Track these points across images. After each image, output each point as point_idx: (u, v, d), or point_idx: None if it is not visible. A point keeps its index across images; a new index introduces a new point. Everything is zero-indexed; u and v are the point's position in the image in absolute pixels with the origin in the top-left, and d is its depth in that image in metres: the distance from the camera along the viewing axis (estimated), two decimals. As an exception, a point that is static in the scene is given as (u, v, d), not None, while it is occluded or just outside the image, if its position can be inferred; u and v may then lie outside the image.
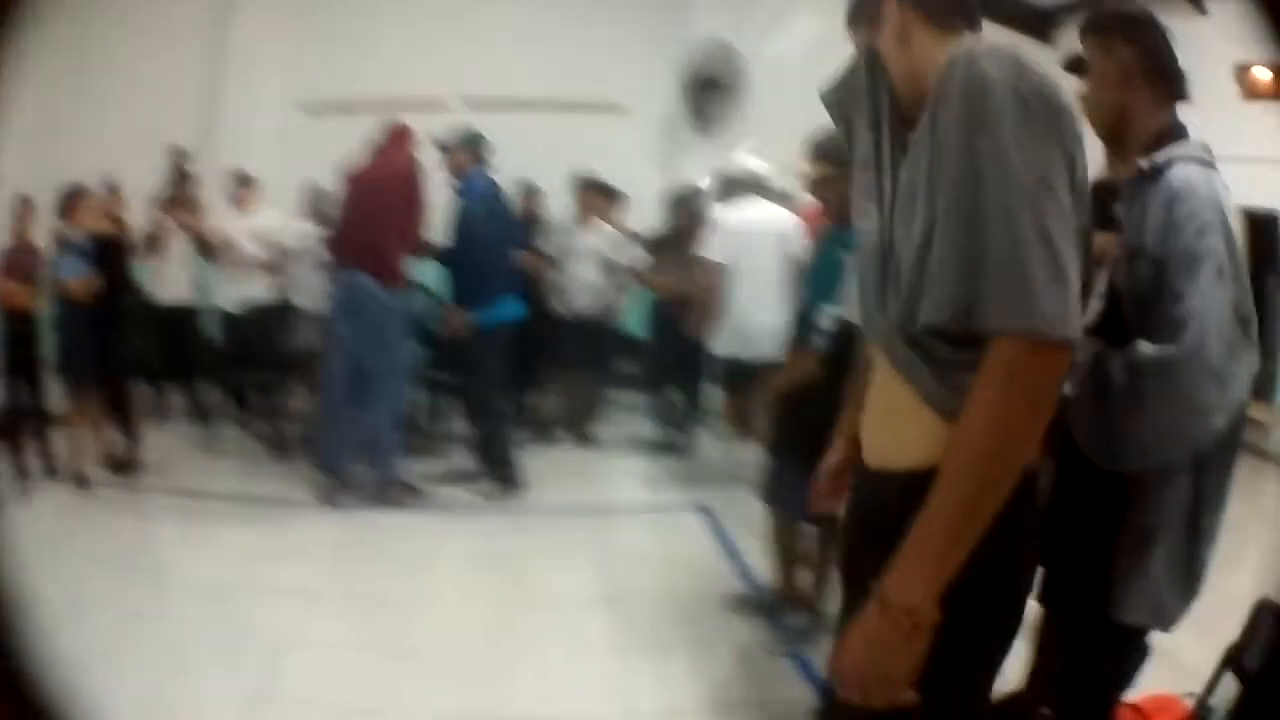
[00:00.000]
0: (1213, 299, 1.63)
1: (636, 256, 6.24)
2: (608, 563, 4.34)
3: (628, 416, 6.80)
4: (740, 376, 4.57)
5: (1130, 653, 1.90)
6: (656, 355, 6.37)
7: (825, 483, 2.33)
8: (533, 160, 5.30)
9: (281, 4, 7.10)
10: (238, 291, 6.03)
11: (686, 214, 6.08)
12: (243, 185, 6.10)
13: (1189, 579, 1.76)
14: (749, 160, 5.21)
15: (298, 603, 3.76)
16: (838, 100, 1.57)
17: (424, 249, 5.04)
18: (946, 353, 1.32)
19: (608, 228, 6.21)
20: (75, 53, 6.29)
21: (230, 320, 6.11)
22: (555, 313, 6.01)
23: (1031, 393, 1.23)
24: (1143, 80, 1.78)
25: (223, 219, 6.09)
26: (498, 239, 5.04)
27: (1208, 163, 1.74)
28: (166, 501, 4.96)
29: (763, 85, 7.49)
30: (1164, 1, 6.01)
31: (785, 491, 3.34)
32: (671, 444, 6.20)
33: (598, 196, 6.22)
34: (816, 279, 3.14)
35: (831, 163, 2.98)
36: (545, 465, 5.48)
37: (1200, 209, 1.66)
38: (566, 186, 6.28)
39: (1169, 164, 1.71)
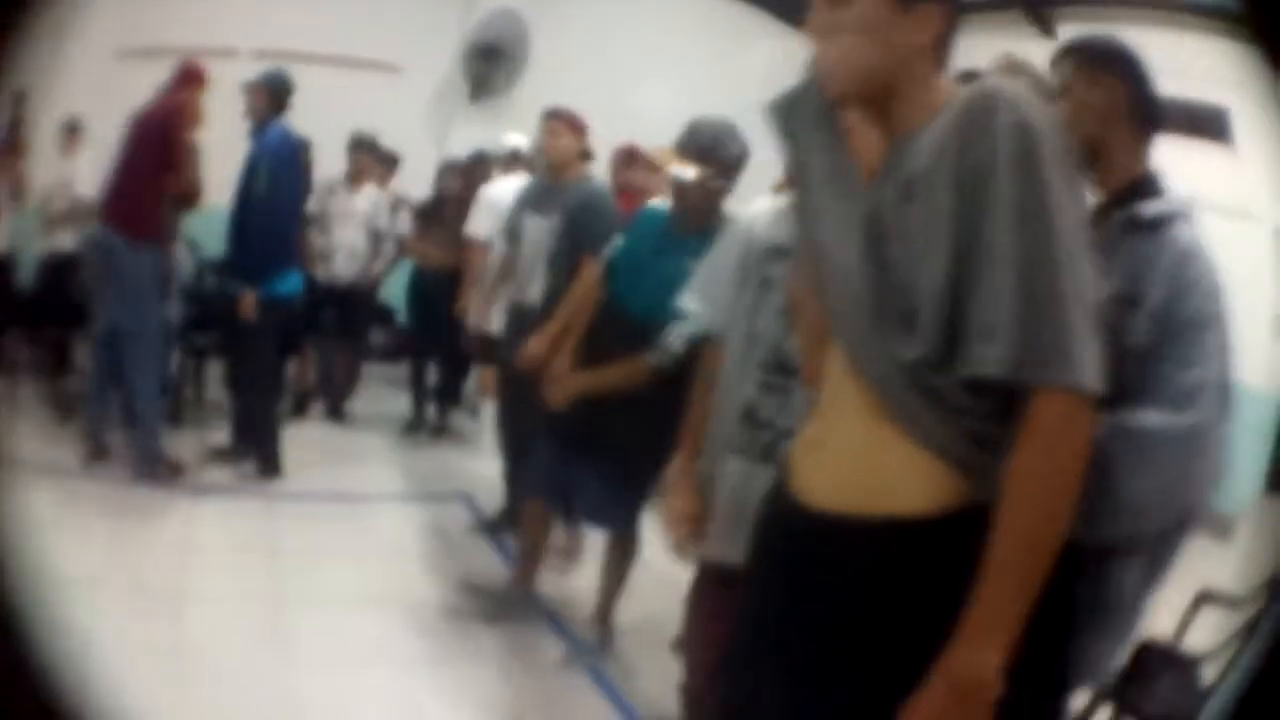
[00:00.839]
0: (1220, 367, 1.62)
1: (404, 223, 5.94)
2: (373, 558, 4.10)
3: (386, 392, 6.48)
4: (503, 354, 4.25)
5: None
6: (416, 328, 6.08)
7: (690, 514, 2.20)
8: (307, 117, 4.81)
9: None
10: (51, 241, 5.56)
11: (456, 184, 5.83)
12: (70, 132, 5.62)
13: (1125, 643, 1.77)
14: (514, 137, 5.15)
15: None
16: (787, 115, 1.49)
17: (188, 201, 4.48)
18: (963, 399, 1.27)
19: (378, 192, 5.89)
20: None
21: (38, 271, 5.63)
22: (318, 280, 5.56)
23: (1079, 447, 1.23)
24: (1126, 118, 1.73)
25: (50, 166, 5.64)
26: (290, 204, 4.64)
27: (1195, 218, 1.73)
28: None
29: (546, 56, 7.35)
30: (1008, 24, 6.62)
31: (577, 489, 3.24)
32: (429, 423, 5.98)
33: (371, 159, 5.88)
34: (652, 285, 2.92)
35: (713, 165, 2.80)
36: (301, 444, 5.09)
37: (1209, 272, 1.64)
38: (339, 146, 5.84)
39: (1170, 219, 1.66)
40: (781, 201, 2.20)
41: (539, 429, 3.33)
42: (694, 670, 2.45)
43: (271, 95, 4.52)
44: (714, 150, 2.83)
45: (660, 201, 3.14)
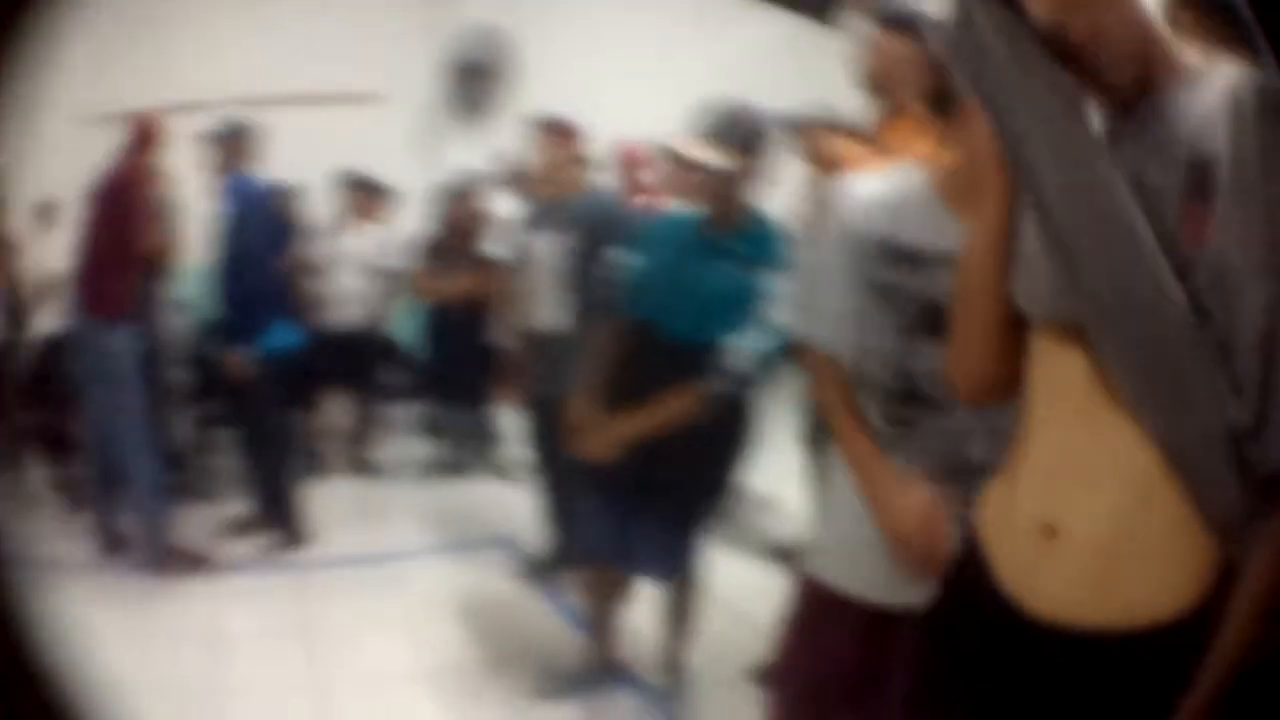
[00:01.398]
0: None
1: (407, 258, 5.68)
2: (415, 623, 3.78)
3: (406, 437, 6.19)
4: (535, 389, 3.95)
5: None
6: (436, 366, 5.77)
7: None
8: (292, 160, 4.61)
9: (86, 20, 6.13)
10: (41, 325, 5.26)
11: (459, 209, 5.58)
12: (44, 210, 5.39)
13: None
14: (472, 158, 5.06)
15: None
16: (973, 57, 1.14)
17: (158, 264, 4.21)
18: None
19: (374, 228, 5.65)
20: None
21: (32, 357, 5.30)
22: (322, 328, 5.31)
23: None
24: None
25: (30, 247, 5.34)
26: (264, 254, 4.34)
27: None
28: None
29: (533, 70, 7.07)
30: None
31: (624, 543, 2.83)
32: (457, 464, 5.70)
33: (363, 194, 5.64)
34: (693, 301, 2.57)
35: (742, 149, 2.48)
36: (325, 503, 4.82)
37: None
38: (329, 186, 5.64)
39: None
40: (895, 185, 1.76)
41: (583, 486, 2.92)
42: (781, 696, 2.07)
43: (227, 146, 4.28)
44: (739, 131, 2.51)
45: (677, 204, 2.84)
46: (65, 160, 5.48)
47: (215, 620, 3.75)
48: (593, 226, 3.43)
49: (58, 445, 5.12)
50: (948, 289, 1.44)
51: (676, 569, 2.90)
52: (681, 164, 2.53)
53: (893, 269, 1.69)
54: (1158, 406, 1.03)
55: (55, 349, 5.06)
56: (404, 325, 5.93)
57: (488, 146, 6.13)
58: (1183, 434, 1.02)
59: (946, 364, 1.36)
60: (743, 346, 2.33)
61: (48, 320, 5.26)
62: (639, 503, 2.76)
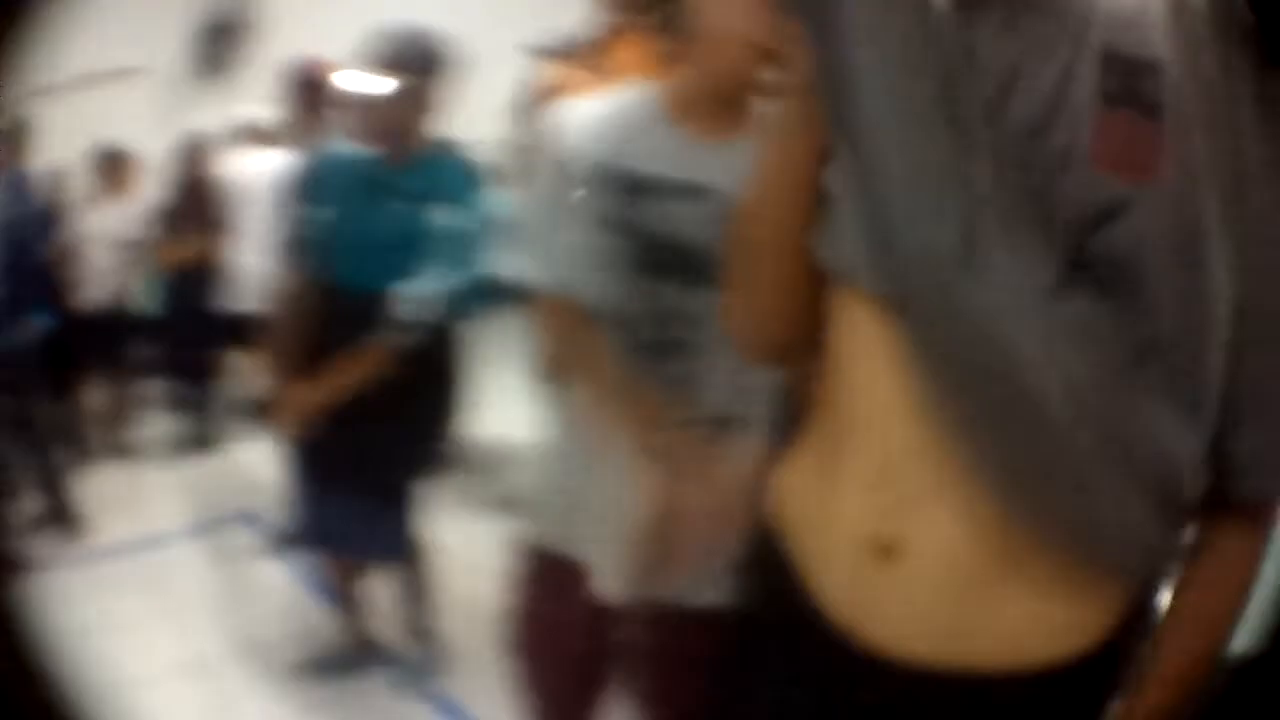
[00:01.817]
0: None
1: (147, 227, 5.54)
2: (170, 614, 3.69)
3: (153, 414, 6.00)
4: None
5: None
6: (171, 336, 5.67)
7: None
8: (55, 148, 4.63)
9: None
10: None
11: (190, 172, 5.53)
12: None
13: None
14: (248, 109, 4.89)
15: None
16: None
17: None
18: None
19: (122, 201, 5.48)
20: None
21: None
22: (74, 309, 5.15)
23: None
24: None
25: None
26: (27, 246, 4.26)
27: None
28: None
29: (275, 21, 6.83)
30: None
31: (338, 527, 2.61)
32: (202, 438, 5.59)
33: (109, 167, 5.47)
34: (374, 246, 2.32)
35: (411, 76, 2.24)
36: (93, 490, 4.72)
37: None
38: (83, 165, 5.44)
39: None
40: (619, 106, 1.52)
41: (290, 464, 2.68)
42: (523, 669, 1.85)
43: (9, 143, 4.23)
44: (408, 56, 2.29)
45: (337, 141, 2.57)
46: None
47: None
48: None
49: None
50: (690, 222, 1.33)
51: (396, 547, 2.70)
52: (344, 96, 2.30)
53: (619, 200, 1.47)
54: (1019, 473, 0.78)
55: None
56: (150, 298, 5.75)
57: (233, 105, 5.87)
58: (1062, 507, 0.79)
59: (725, 315, 1.11)
60: (423, 291, 2.13)
61: None
62: (343, 479, 2.52)
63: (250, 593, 3.83)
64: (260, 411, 2.61)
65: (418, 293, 2.13)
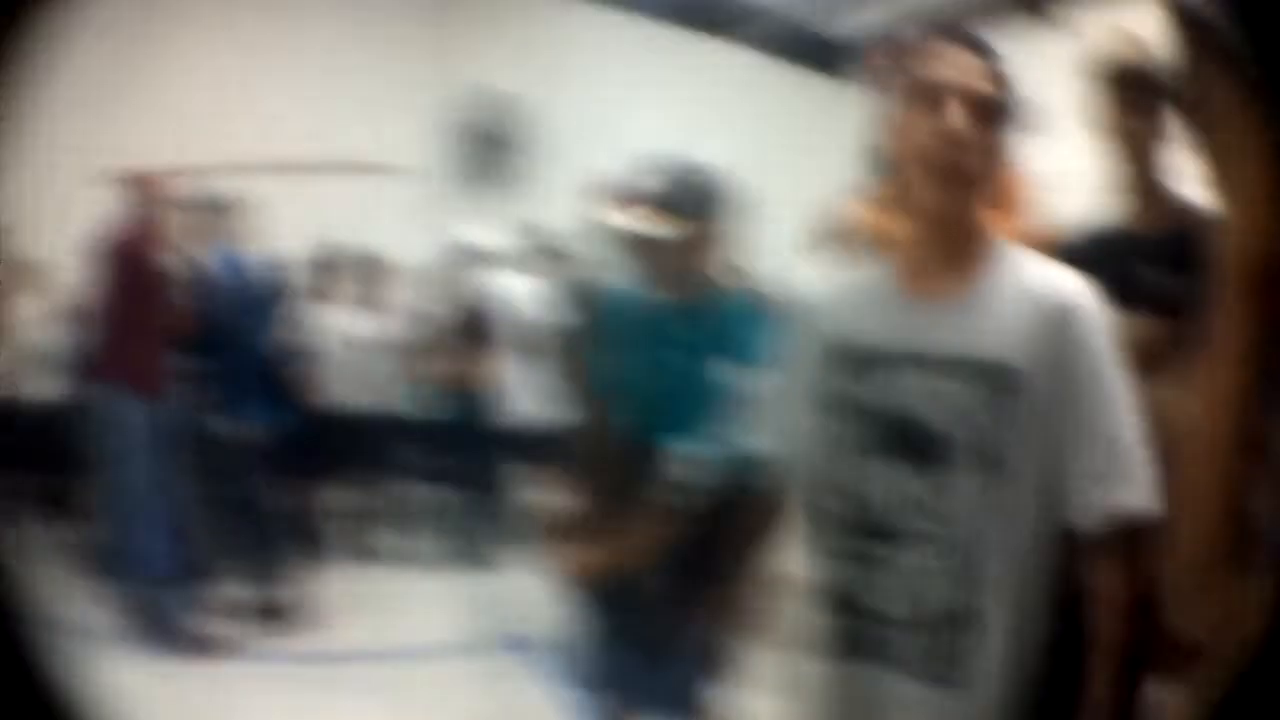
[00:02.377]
0: None
1: (413, 337, 5.55)
2: None
3: (414, 521, 5.91)
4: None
5: None
6: (448, 445, 5.50)
7: None
8: (293, 232, 4.67)
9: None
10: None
11: (460, 289, 5.46)
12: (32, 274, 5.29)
13: None
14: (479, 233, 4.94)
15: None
16: None
17: (179, 334, 4.16)
18: None
19: (376, 304, 5.57)
20: None
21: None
22: (320, 407, 5.11)
23: None
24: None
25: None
26: (245, 328, 4.27)
27: None
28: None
29: (549, 139, 6.93)
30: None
31: (619, 673, 2.42)
32: (471, 555, 5.39)
33: (362, 270, 5.56)
34: (648, 392, 2.22)
35: (693, 216, 2.17)
36: (333, 590, 4.66)
37: None
38: (328, 259, 5.53)
39: None
40: (855, 282, 1.56)
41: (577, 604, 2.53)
42: None
43: (210, 218, 4.27)
44: (693, 196, 2.17)
45: (622, 278, 2.48)
46: (53, 222, 5.36)
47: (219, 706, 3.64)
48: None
49: (58, 508, 5.11)
50: (919, 396, 1.34)
51: (681, 704, 2.52)
52: (627, 235, 2.21)
53: (846, 375, 1.44)
54: None
55: (61, 413, 5.02)
56: (416, 404, 5.70)
57: (505, 219, 5.99)
58: None
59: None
60: (698, 453, 2.00)
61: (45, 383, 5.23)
62: (629, 625, 2.33)
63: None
64: (541, 538, 2.55)
65: (692, 454, 2.00)
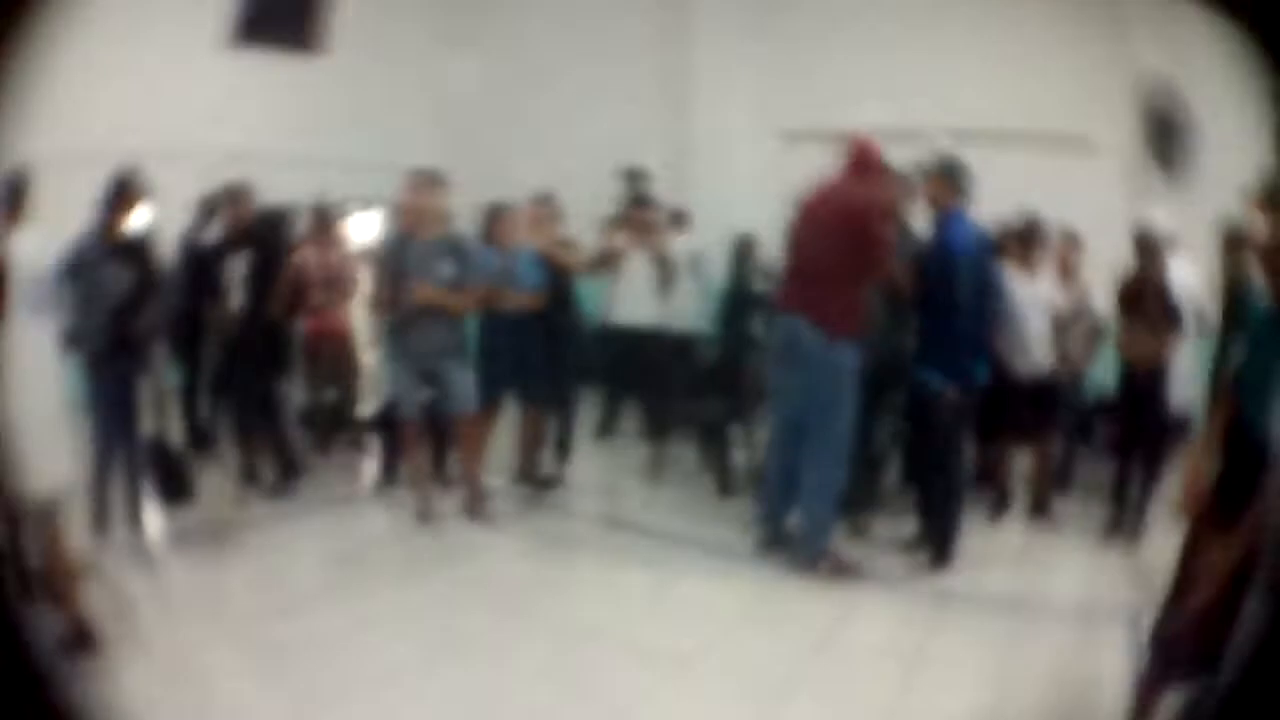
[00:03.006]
0: None
1: (1098, 311, 5.51)
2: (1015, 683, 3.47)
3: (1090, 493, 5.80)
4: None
5: None
6: (1123, 419, 5.44)
7: None
8: (992, 201, 4.74)
9: (744, 29, 7.02)
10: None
11: (1149, 267, 5.26)
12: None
13: None
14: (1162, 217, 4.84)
15: (661, 670, 3.40)
16: None
17: (885, 293, 4.55)
18: None
19: (1059, 275, 5.55)
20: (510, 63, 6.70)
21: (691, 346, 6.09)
22: (1006, 373, 5.26)
23: None
24: None
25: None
26: (978, 294, 4.49)
27: None
28: (583, 528, 5.05)
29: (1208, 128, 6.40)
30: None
31: None
32: (1122, 524, 5.25)
33: (1060, 242, 5.57)
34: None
35: None
36: (982, 543, 4.88)
37: None
38: (1027, 230, 5.52)
39: None
40: None
41: None
42: None
43: (951, 184, 4.45)
44: None
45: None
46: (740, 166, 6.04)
47: (831, 624, 3.91)
48: None
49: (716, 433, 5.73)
50: None
51: None
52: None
53: None
54: None
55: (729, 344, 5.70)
56: (1102, 378, 5.68)
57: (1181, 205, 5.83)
58: None
59: None
60: None
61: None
62: None
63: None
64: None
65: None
